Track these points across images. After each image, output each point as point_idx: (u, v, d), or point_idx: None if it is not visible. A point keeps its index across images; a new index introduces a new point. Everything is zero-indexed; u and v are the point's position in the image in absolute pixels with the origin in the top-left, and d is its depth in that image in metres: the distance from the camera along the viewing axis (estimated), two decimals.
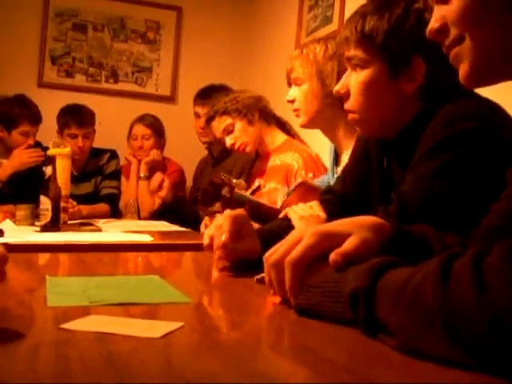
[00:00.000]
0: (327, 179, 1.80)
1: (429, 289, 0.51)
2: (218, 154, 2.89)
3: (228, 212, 1.09)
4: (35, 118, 2.81)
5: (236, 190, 1.45)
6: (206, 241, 1.10)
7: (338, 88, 1.18)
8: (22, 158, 2.75)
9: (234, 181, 1.45)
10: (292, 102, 1.76)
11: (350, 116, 1.17)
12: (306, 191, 1.64)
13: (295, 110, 1.76)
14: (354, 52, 1.11)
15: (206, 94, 2.93)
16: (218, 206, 1.39)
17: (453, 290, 0.50)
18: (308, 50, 1.74)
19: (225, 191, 1.39)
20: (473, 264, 0.50)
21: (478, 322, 0.47)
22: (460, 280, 0.50)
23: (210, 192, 1.41)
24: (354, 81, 1.13)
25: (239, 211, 1.10)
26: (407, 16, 1.06)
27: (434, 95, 1.07)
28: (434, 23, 0.75)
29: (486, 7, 0.68)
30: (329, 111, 1.70)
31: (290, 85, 1.80)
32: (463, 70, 0.72)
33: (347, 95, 1.15)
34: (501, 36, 0.68)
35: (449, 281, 0.50)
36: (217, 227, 1.07)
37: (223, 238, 1.03)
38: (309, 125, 1.77)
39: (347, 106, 1.16)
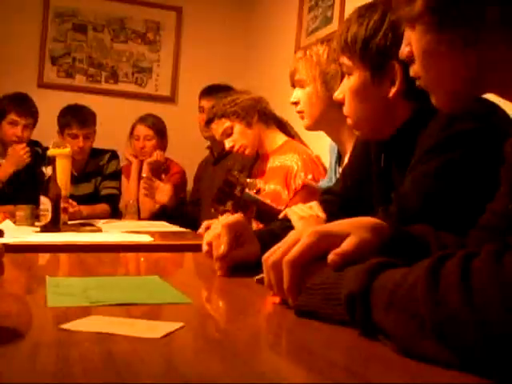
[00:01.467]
0: (327, 180, 1.81)
1: (419, 292, 0.51)
2: (219, 153, 2.89)
3: (224, 219, 1.09)
4: (23, 109, 2.82)
5: (246, 189, 1.45)
6: (204, 247, 1.09)
7: (335, 94, 1.20)
8: (18, 154, 2.77)
9: (248, 180, 1.45)
10: (296, 104, 1.76)
11: (347, 120, 1.19)
12: (308, 194, 1.64)
13: (299, 112, 1.77)
14: (341, 59, 1.14)
15: (213, 90, 2.94)
16: (229, 205, 1.39)
17: (442, 294, 0.50)
18: (311, 51, 1.73)
19: (237, 190, 1.39)
20: (461, 267, 0.50)
21: (466, 324, 0.47)
22: (449, 283, 0.50)
23: (225, 190, 1.40)
24: (346, 87, 1.15)
25: (237, 217, 1.10)
26: (382, 22, 1.07)
27: (424, 97, 1.08)
28: (404, 47, 0.76)
29: (442, 49, 0.67)
30: (333, 113, 1.67)
31: (293, 86, 1.80)
32: (432, 100, 0.74)
33: (343, 100, 1.17)
34: (461, 73, 0.68)
35: (438, 284, 0.50)
36: (215, 236, 1.06)
37: (221, 249, 1.02)
38: (313, 127, 1.77)
39: (343, 111, 1.18)
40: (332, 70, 1.68)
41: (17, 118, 2.81)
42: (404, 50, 0.76)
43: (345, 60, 1.13)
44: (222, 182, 1.43)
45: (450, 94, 0.71)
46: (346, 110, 1.17)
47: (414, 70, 0.74)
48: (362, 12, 1.10)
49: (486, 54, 0.64)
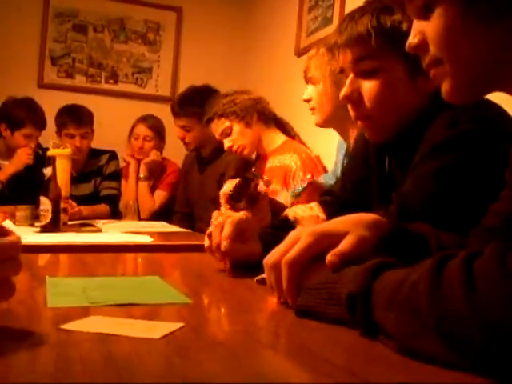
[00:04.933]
0: (331, 175, 1.81)
1: (422, 291, 0.51)
2: (208, 155, 2.84)
3: (229, 214, 1.09)
4: (40, 123, 2.84)
5: (259, 186, 1.46)
6: (206, 242, 1.10)
7: (347, 93, 1.11)
8: (19, 156, 2.77)
9: (265, 178, 1.45)
10: (308, 101, 1.79)
11: (361, 122, 1.12)
12: (314, 191, 1.64)
13: (311, 109, 1.79)
14: (354, 60, 1.08)
15: (180, 107, 2.83)
16: (243, 202, 1.40)
17: (445, 293, 0.50)
18: (324, 49, 1.74)
19: (252, 188, 1.39)
20: (464, 266, 0.50)
21: (469, 323, 0.47)
22: (452, 282, 0.50)
23: (243, 187, 1.41)
24: (370, 86, 1.07)
25: (242, 215, 1.10)
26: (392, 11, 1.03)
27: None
28: (412, 38, 0.72)
29: (468, 24, 0.65)
30: (343, 111, 1.67)
31: (307, 83, 1.82)
32: (444, 89, 0.70)
33: (359, 100, 1.09)
34: (484, 52, 0.66)
35: (441, 283, 0.50)
36: (216, 226, 1.06)
37: (223, 245, 1.02)
38: (324, 124, 1.79)
39: (362, 111, 1.10)
40: None
41: (33, 133, 2.82)
42: (413, 42, 0.72)
43: (365, 63, 1.06)
44: (241, 179, 1.44)
45: (467, 79, 0.68)
46: (367, 110, 1.09)
47: (430, 58, 0.70)
48: (361, 8, 1.08)
49: (510, 30, 0.63)
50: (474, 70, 0.67)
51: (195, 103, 2.74)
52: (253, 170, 1.48)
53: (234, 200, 1.37)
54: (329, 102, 1.73)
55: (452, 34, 0.67)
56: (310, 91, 1.78)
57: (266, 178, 1.47)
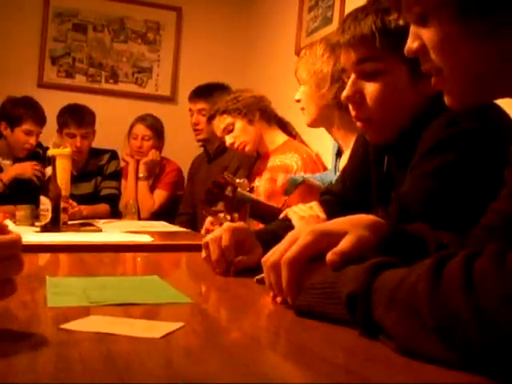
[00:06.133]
0: (329, 177, 1.82)
1: (421, 291, 0.51)
2: (214, 151, 2.88)
3: (228, 225, 1.07)
4: (40, 119, 2.85)
5: (238, 189, 1.46)
6: (203, 253, 1.07)
7: (349, 94, 1.09)
8: (27, 166, 2.78)
9: (238, 180, 1.45)
10: (299, 101, 1.82)
11: (362, 123, 1.11)
12: (306, 190, 1.65)
13: (302, 109, 1.82)
14: (355, 63, 1.07)
15: (200, 92, 2.93)
16: (220, 205, 1.39)
17: (444, 293, 0.50)
18: (311, 51, 1.78)
19: (228, 191, 1.39)
20: (464, 266, 0.50)
21: (468, 324, 0.47)
22: (451, 282, 0.50)
23: (214, 192, 1.41)
24: (373, 88, 1.06)
25: (239, 224, 1.09)
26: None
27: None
28: (411, 42, 0.72)
29: (464, 38, 0.65)
30: (326, 112, 1.75)
31: (300, 83, 1.85)
32: (447, 99, 0.71)
33: (361, 101, 1.09)
34: (482, 63, 0.66)
35: (441, 283, 0.51)
36: (213, 240, 1.03)
37: (227, 255, 1.01)
38: (312, 124, 1.83)
39: (363, 113, 1.09)
40: (324, 70, 1.71)
41: (33, 128, 2.82)
42: (412, 46, 0.71)
43: (368, 64, 1.05)
44: (211, 183, 1.44)
45: (467, 88, 0.68)
46: (368, 112, 1.08)
47: (431, 65, 0.70)
48: (364, 8, 1.08)
49: (508, 45, 0.63)
50: (473, 79, 0.68)
51: (213, 90, 2.85)
52: (225, 174, 1.48)
53: (206, 205, 1.37)
54: (314, 103, 1.76)
55: (448, 45, 0.67)
56: (300, 92, 1.81)
57: (239, 180, 1.46)
